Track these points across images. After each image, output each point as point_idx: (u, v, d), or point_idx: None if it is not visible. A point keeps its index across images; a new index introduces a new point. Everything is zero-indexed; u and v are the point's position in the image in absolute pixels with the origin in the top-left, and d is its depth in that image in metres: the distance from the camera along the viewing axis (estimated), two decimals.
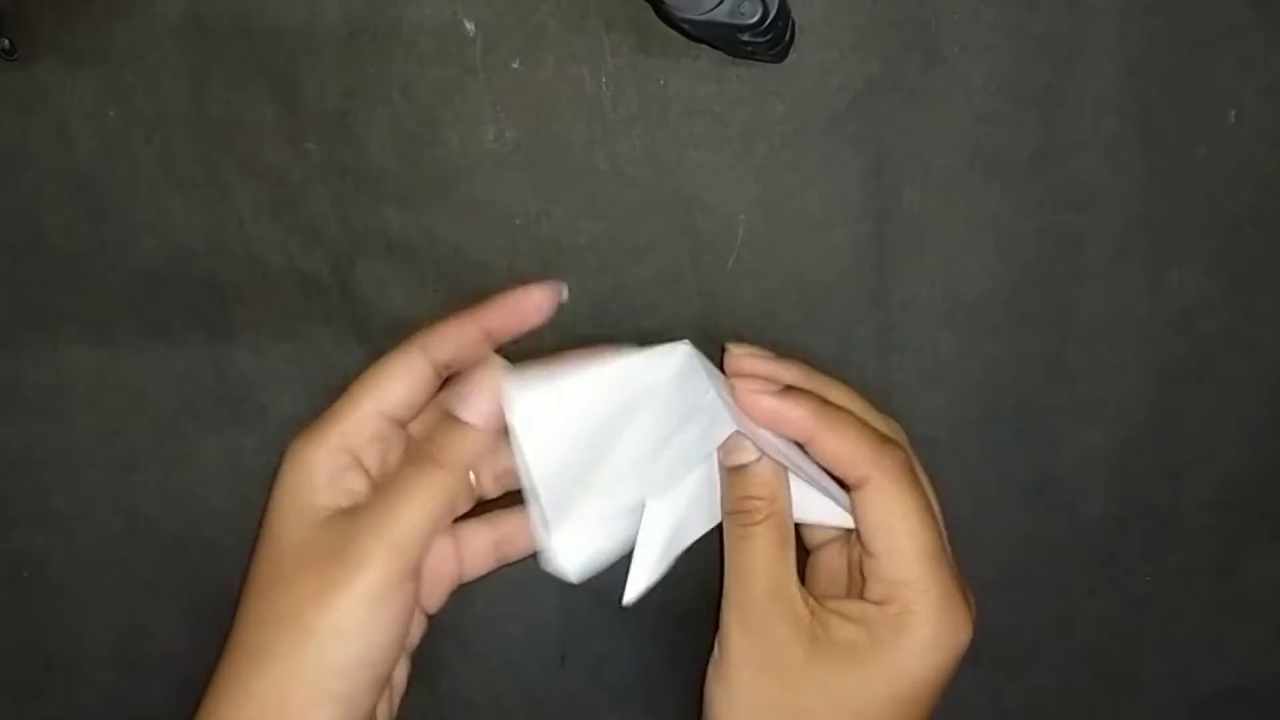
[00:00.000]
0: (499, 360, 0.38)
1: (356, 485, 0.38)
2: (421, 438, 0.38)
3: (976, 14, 0.40)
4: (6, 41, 0.40)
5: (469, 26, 0.40)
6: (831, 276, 0.43)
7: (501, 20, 0.40)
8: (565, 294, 0.41)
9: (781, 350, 0.42)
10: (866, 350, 0.44)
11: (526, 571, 0.43)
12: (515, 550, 0.42)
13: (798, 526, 0.40)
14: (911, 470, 0.37)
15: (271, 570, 0.38)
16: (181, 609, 0.46)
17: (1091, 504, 0.46)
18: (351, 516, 0.37)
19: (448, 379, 0.40)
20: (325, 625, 0.35)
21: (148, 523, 0.45)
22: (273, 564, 0.38)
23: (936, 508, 0.39)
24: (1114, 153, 0.42)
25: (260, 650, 0.36)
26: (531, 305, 0.40)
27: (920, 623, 0.36)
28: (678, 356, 0.38)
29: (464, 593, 0.42)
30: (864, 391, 0.42)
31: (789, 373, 0.39)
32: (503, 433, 0.38)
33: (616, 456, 0.38)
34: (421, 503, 0.36)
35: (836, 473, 0.38)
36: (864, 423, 0.38)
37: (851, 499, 0.37)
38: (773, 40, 0.37)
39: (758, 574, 0.37)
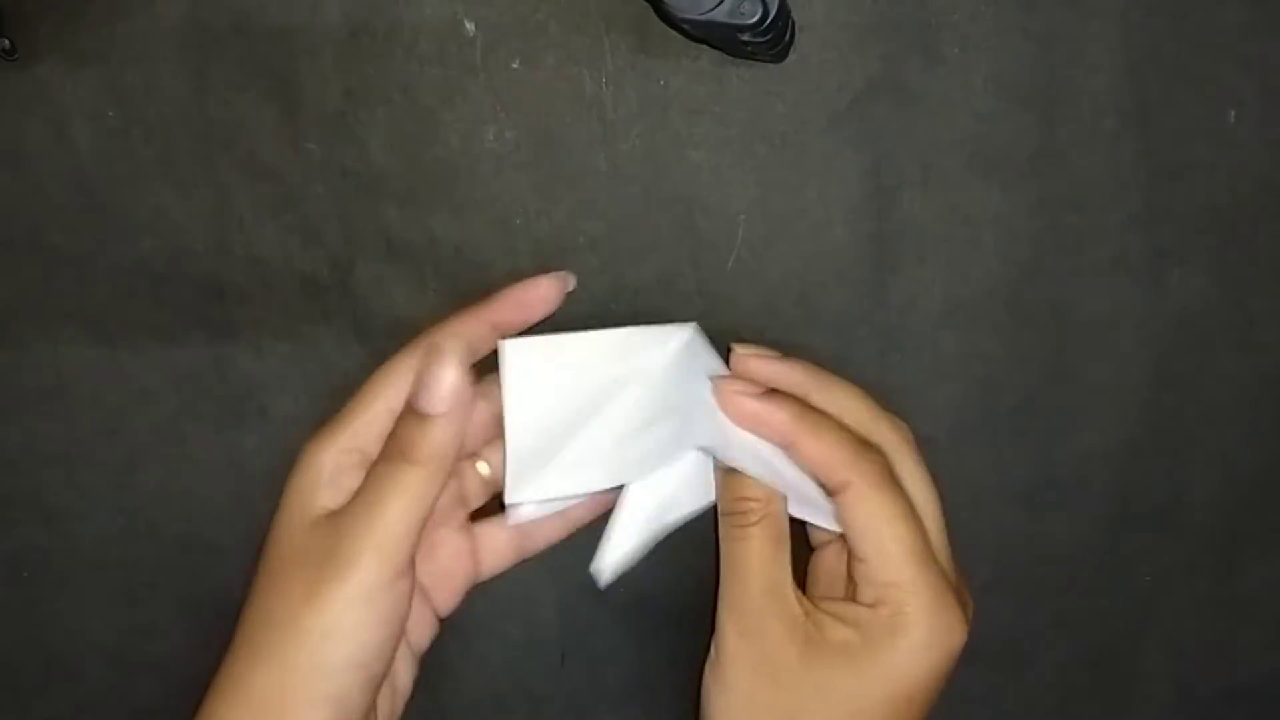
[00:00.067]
0: (454, 348, 0.37)
1: (358, 483, 0.38)
2: (392, 436, 0.38)
3: (976, 14, 0.40)
4: (6, 41, 0.40)
5: (469, 26, 0.40)
6: (831, 276, 0.43)
7: (501, 20, 0.40)
8: (572, 283, 0.41)
9: (781, 350, 0.42)
10: (866, 350, 0.44)
11: (526, 572, 0.43)
12: (534, 544, 0.42)
13: (804, 526, 0.40)
14: (891, 475, 0.37)
15: (269, 571, 0.38)
16: (181, 609, 0.46)
17: (1091, 504, 0.46)
18: (340, 517, 0.37)
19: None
20: (316, 626, 0.35)
21: (148, 522, 0.45)
22: (271, 564, 0.38)
23: (937, 509, 0.39)
24: (1114, 153, 0.42)
25: (256, 650, 0.37)
26: (539, 296, 0.40)
27: (912, 624, 0.36)
28: (680, 338, 0.38)
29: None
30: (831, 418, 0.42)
31: (793, 372, 0.39)
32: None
33: (599, 420, 0.38)
34: (399, 500, 0.36)
35: (817, 477, 0.38)
36: (844, 428, 0.38)
37: (835, 505, 0.37)
38: (773, 40, 0.37)
39: (753, 575, 0.37)
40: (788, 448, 0.38)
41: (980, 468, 0.45)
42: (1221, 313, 0.44)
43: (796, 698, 0.36)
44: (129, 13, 0.41)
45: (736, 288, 0.43)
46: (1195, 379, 0.44)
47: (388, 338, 0.43)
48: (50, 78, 0.41)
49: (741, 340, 0.41)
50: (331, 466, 0.38)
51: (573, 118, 0.41)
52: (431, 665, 0.42)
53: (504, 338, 0.39)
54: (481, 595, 0.44)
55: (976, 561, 0.46)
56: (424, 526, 0.37)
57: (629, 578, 0.44)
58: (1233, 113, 0.42)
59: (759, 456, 0.38)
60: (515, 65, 0.41)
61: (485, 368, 0.41)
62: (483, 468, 0.42)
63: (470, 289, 0.42)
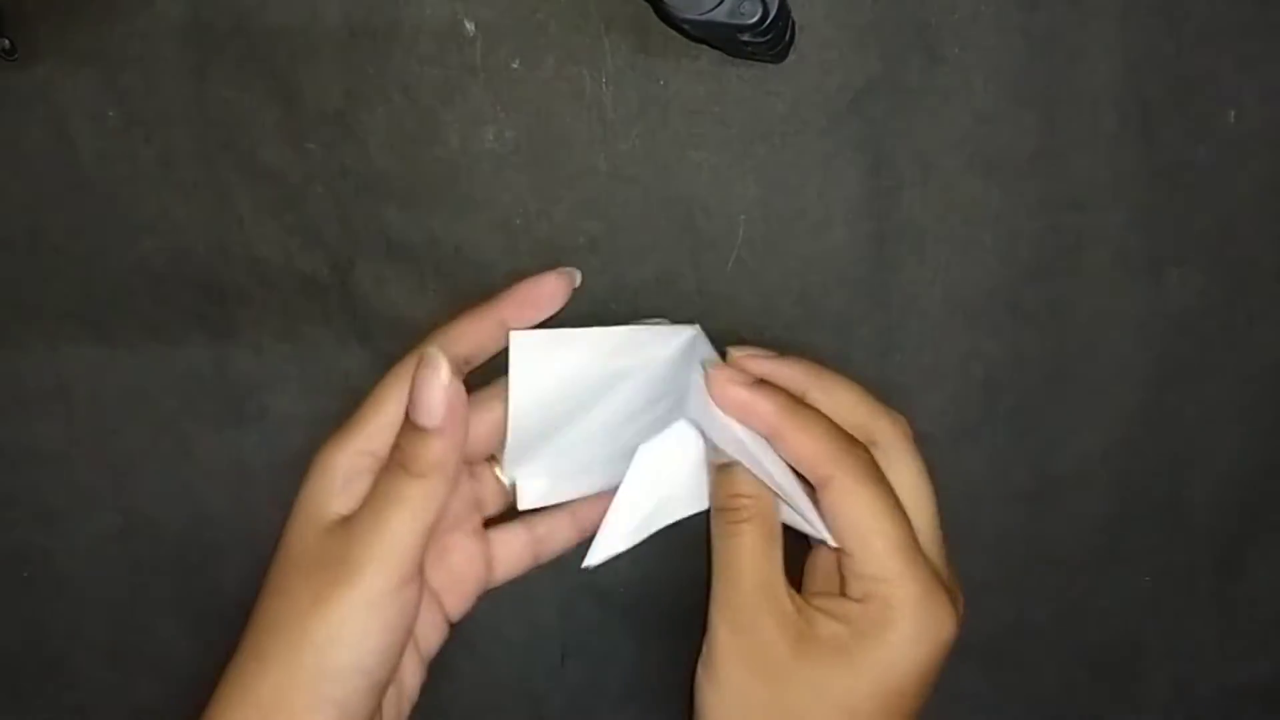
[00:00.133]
0: (442, 361, 0.37)
1: (370, 489, 0.38)
2: (394, 447, 0.38)
3: (976, 14, 0.40)
4: (6, 41, 0.40)
5: (469, 26, 0.40)
6: (831, 276, 0.43)
7: (501, 20, 0.40)
8: (579, 279, 0.41)
9: (780, 350, 0.42)
10: (866, 350, 0.44)
11: (526, 573, 0.43)
12: (550, 550, 0.42)
13: None
14: (877, 470, 0.37)
15: (279, 575, 0.38)
16: (181, 609, 0.46)
17: (1091, 504, 0.46)
18: (348, 525, 0.37)
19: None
20: (321, 631, 0.36)
21: (147, 522, 0.45)
22: (281, 569, 0.38)
23: (931, 504, 0.39)
24: (1114, 153, 0.42)
25: (261, 653, 0.37)
26: (546, 293, 0.40)
27: (900, 618, 0.36)
28: (683, 338, 0.38)
29: None
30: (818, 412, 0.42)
31: (789, 369, 0.39)
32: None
33: (599, 406, 0.39)
34: (402, 511, 0.36)
35: (802, 471, 0.38)
36: (830, 423, 0.38)
37: (819, 498, 0.37)
38: (773, 40, 0.37)
39: (745, 571, 0.37)
40: (773, 439, 0.38)
41: (980, 467, 0.45)
42: (1221, 313, 0.44)
43: (788, 693, 0.36)
44: (129, 13, 0.41)
45: (736, 288, 0.43)
46: (1195, 379, 0.44)
47: (388, 338, 0.43)
48: (50, 78, 0.41)
49: (742, 341, 0.41)
50: (344, 471, 0.38)
51: (573, 118, 0.41)
52: (431, 665, 0.42)
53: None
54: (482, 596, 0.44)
55: (976, 560, 0.46)
56: (430, 535, 0.37)
57: (629, 578, 0.45)
58: (1233, 113, 0.42)
59: (748, 451, 0.38)
60: (515, 65, 0.41)
61: (497, 366, 0.41)
62: (499, 472, 0.42)
63: (470, 289, 0.42)
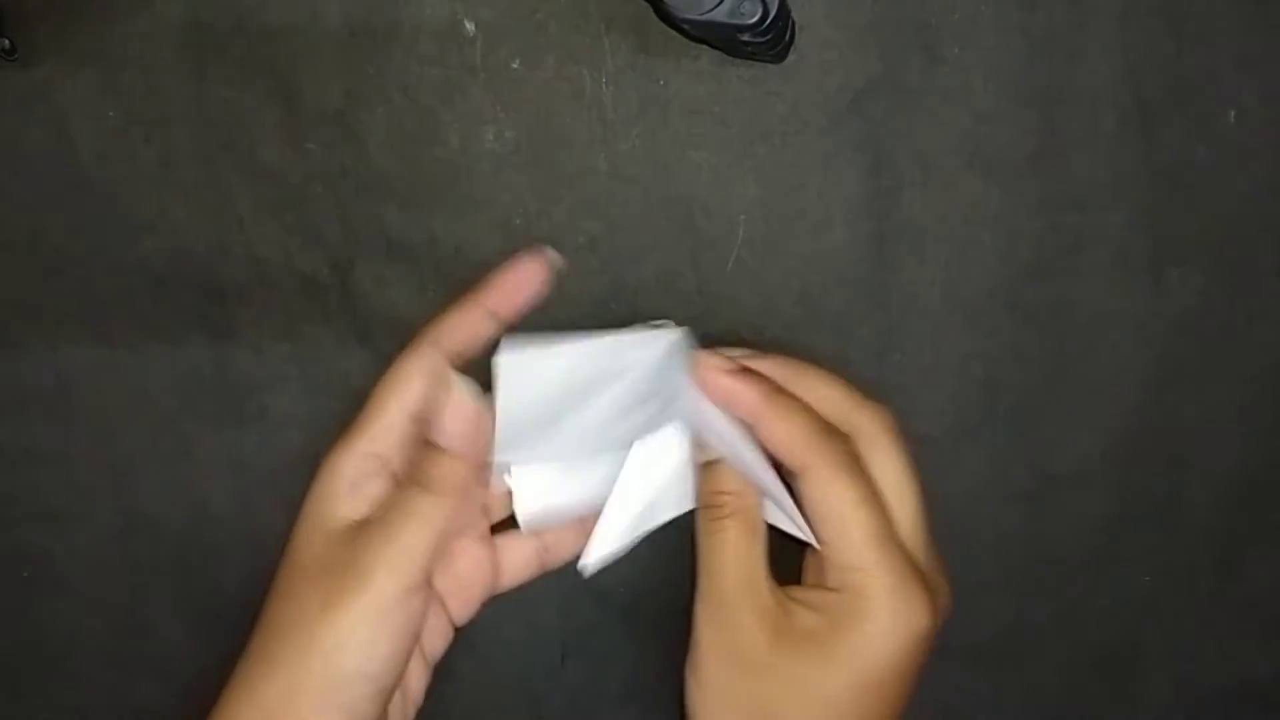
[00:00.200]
0: (468, 385, 0.38)
1: (380, 492, 0.38)
2: (417, 461, 0.39)
3: (976, 14, 0.40)
4: (6, 41, 0.40)
5: (469, 26, 0.40)
6: (831, 276, 0.43)
7: (501, 20, 0.40)
8: (554, 256, 0.41)
9: (780, 350, 0.42)
10: (866, 350, 0.44)
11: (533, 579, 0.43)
12: (557, 558, 0.42)
13: None
14: (855, 460, 0.37)
15: (287, 579, 0.38)
16: (181, 609, 0.46)
17: (1091, 504, 0.46)
18: (360, 531, 0.37)
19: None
20: (329, 637, 0.36)
21: (148, 522, 0.45)
22: (289, 573, 0.38)
23: (913, 496, 0.38)
24: (1114, 153, 0.42)
25: (269, 657, 0.37)
26: (527, 276, 0.40)
27: (874, 608, 0.36)
28: (667, 339, 0.39)
29: None
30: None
31: (770, 365, 0.39)
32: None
33: (586, 422, 0.39)
34: (417, 527, 0.37)
35: (781, 459, 0.38)
36: (811, 411, 0.38)
37: (798, 487, 0.37)
38: (773, 40, 0.37)
39: (726, 567, 0.38)
40: (754, 426, 0.38)
41: (980, 467, 0.45)
42: (1221, 313, 0.44)
43: (768, 687, 0.37)
44: (129, 13, 0.41)
45: (736, 288, 0.43)
46: (1195, 379, 0.44)
47: (388, 338, 0.43)
48: (50, 78, 0.41)
49: (742, 341, 0.41)
50: (350, 475, 0.38)
51: (573, 118, 0.41)
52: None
53: (503, 336, 0.39)
54: None
55: (976, 561, 0.46)
56: (441, 547, 0.37)
57: (629, 578, 0.45)
58: (1233, 113, 0.42)
59: (733, 447, 0.38)
60: (515, 65, 0.41)
61: (485, 355, 0.41)
62: (506, 479, 0.42)
63: (469, 289, 0.42)
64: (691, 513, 0.41)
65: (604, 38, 0.40)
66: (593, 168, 0.42)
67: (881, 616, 0.36)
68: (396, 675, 0.37)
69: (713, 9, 0.36)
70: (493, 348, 0.39)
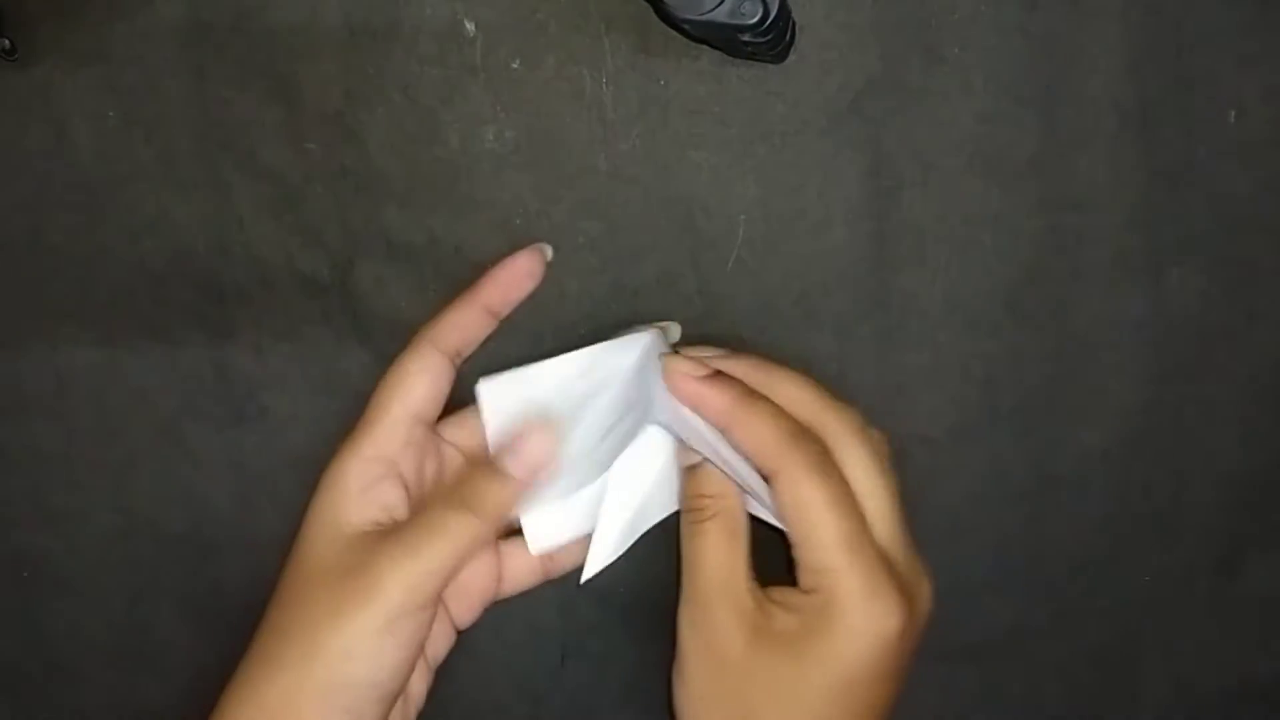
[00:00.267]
0: (551, 424, 0.39)
1: (390, 497, 0.38)
2: (460, 480, 0.39)
3: (976, 14, 0.40)
4: (6, 41, 0.40)
5: (469, 26, 0.40)
6: (831, 276, 0.43)
7: (501, 20, 0.40)
8: (549, 253, 0.41)
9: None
10: (866, 350, 0.44)
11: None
12: (560, 566, 0.42)
13: None
14: (826, 462, 0.37)
15: (294, 582, 0.38)
16: (181, 609, 0.46)
17: (1091, 504, 0.46)
18: (376, 540, 0.37)
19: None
20: (335, 644, 0.36)
21: (148, 522, 0.45)
22: (296, 576, 0.38)
23: (886, 496, 0.38)
24: (1114, 153, 0.42)
25: (273, 659, 0.37)
26: (522, 271, 0.40)
27: (843, 611, 0.36)
28: (640, 344, 0.39)
29: None
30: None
31: (738, 367, 0.39)
32: None
33: (578, 439, 0.39)
34: (445, 545, 0.37)
35: (753, 464, 0.38)
36: (782, 414, 0.37)
37: (770, 490, 0.37)
38: (773, 40, 0.37)
39: (706, 569, 0.38)
40: (725, 432, 0.38)
41: (980, 467, 0.45)
42: (1221, 313, 0.44)
43: (746, 688, 0.37)
44: (129, 13, 0.40)
45: (736, 288, 0.43)
46: (1195, 379, 0.44)
47: (388, 338, 0.43)
48: (50, 78, 0.41)
49: (742, 342, 0.41)
50: (357, 479, 0.38)
51: (573, 118, 0.41)
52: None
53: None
54: None
55: (977, 561, 0.46)
56: (461, 567, 0.37)
57: (629, 578, 0.45)
58: (1233, 113, 0.42)
59: (712, 446, 0.38)
60: (515, 65, 0.41)
61: (485, 355, 0.41)
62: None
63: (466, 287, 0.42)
64: (670, 514, 0.41)
65: (604, 38, 0.40)
66: (593, 168, 0.42)
67: (851, 619, 0.36)
68: (401, 682, 0.37)
69: (713, 9, 0.36)
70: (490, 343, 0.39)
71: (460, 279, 0.42)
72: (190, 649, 0.46)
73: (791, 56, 0.40)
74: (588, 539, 0.41)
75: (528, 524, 0.41)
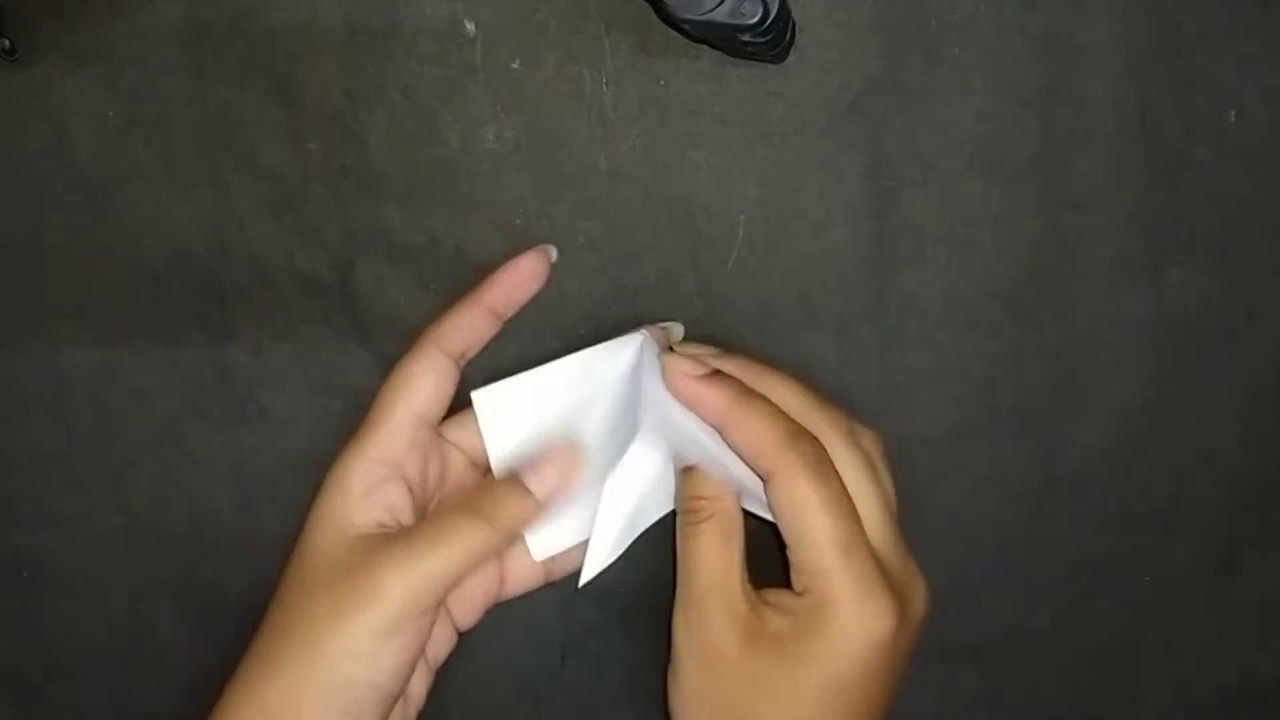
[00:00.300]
0: (575, 447, 0.40)
1: (394, 499, 0.38)
2: (479, 489, 0.39)
3: (976, 14, 0.40)
4: (6, 41, 0.40)
5: (469, 26, 0.40)
6: (831, 276, 0.43)
7: (501, 20, 0.40)
8: (554, 254, 0.41)
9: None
10: (866, 350, 0.43)
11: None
12: (562, 569, 0.42)
13: None
14: (820, 464, 0.37)
15: (296, 582, 0.38)
16: (181, 609, 0.46)
17: (1091, 504, 0.46)
18: (380, 542, 0.37)
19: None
20: (336, 646, 0.36)
21: (148, 522, 0.45)
22: (298, 576, 0.38)
23: (877, 499, 0.38)
24: (1114, 153, 0.42)
25: (273, 659, 0.37)
26: (527, 273, 0.41)
27: (834, 613, 0.36)
28: (632, 346, 0.39)
29: None
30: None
31: (728, 368, 0.39)
32: None
33: (580, 443, 0.40)
34: (454, 553, 0.37)
35: (748, 465, 0.38)
36: (779, 415, 0.37)
37: (765, 491, 0.37)
38: (773, 40, 0.37)
39: (701, 571, 0.38)
40: (721, 431, 0.38)
41: (980, 467, 0.45)
42: (1221, 313, 0.44)
43: (739, 689, 0.37)
44: (129, 13, 0.40)
45: (736, 288, 0.43)
46: (1195, 379, 0.44)
47: (388, 338, 0.43)
48: (50, 78, 0.41)
49: (741, 342, 0.41)
50: (362, 480, 0.38)
51: (573, 118, 0.41)
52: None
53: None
54: None
55: (976, 561, 0.46)
56: (464, 579, 0.37)
57: (629, 578, 0.45)
58: (1233, 113, 0.42)
59: (705, 449, 0.38)
60: (515, 65, 0.41)
61: (485, 355, 0.41)
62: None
63: (470, 289, 0.42)
64: (666, 513, 0.41)
65: (604, 38, 0.40)
66: (593, 168, 0.42)
67: (843, 621, 0.36)
68: (401, 684, 0.37)
69: (713, 9, 0.36)
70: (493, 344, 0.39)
71: (460, 279, 0.42)
72: (190, 649, 0.46)
73: (791, 56, 0.40)
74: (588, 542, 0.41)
75: (529, 529, 0.41)
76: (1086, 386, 0.44)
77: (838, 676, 0.36)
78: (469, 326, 0.40)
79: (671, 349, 0.41)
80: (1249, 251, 0.43)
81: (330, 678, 0.36)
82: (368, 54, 0.40)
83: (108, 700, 0.47)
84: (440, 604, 0.37)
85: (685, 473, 0.40)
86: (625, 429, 0.40)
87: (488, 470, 0.41)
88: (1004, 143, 0.41)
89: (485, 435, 0.40)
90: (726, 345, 0.42)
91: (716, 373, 0.38)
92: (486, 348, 0.41)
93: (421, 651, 0.38)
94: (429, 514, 0.40)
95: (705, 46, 0.40)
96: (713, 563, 0.38)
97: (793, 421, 0.37)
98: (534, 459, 0.39)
